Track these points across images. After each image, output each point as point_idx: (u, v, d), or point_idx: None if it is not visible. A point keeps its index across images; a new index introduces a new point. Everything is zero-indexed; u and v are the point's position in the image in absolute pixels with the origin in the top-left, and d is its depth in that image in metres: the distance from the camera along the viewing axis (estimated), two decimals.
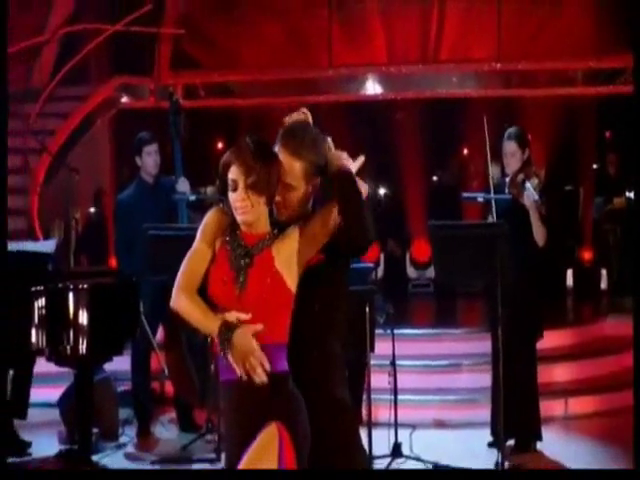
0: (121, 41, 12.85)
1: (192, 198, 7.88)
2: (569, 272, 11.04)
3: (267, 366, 3.45)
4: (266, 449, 3.44)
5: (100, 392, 7.71)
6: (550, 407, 8.36)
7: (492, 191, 7.21)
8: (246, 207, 3.52)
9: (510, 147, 7.25)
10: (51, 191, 11.68)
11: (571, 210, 11.64)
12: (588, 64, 12.50)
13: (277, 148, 3.72)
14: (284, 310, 3.51)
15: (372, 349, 6.94)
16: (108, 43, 12.87)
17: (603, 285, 11.17)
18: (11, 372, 7.59)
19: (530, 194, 7.01)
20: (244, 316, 3.47)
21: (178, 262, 6.97)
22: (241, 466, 3.50)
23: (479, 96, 12.74)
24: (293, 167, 3.66)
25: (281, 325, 3.51)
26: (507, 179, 7.29)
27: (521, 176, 7.14)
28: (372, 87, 12.58)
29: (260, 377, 3.45)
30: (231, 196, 3.56)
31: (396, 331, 7.79)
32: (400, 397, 7.91)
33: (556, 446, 7.56)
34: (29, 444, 7.68)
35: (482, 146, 7.46)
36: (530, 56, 12.64)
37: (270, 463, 3.42)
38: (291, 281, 3.52)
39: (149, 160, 8.03)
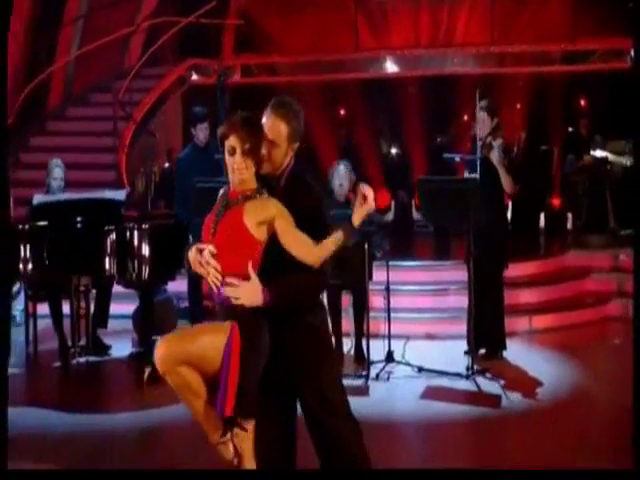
0: (193, 30, 12.78)
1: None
2: (541, 215, 10.91)
3: (214, 264, 3.49)
4: (215, 329, 3.47)
5: (163, 308, 7.83)
6: (517, 323, 8.29)
7: (479, 152, 7.05)
8: (242, 168, 3.53)
9: (481, 116, 7.14)
10: (135, 150, 11.72)
11: (545, 166, 11.51)
12: (566, 47, 12.28)
13: (267, 113, 3.66)
14: (247, 251, 3.51)
15: (370, 277, 7.00)
16: (183, 32, 12.83)
17: (569, 226, 11.06)
18: (94, 291, 7.72)
19: (495, 151, 6.95)
20: (213, 249, 3.51)
21: None
22: (189, 332, 3.66)
23: (476, 73, 12.58)
24: (280, 129, 3.60)
25: (244, 262, 3.52)
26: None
27: (489, 138, 7.04)
28: (389, 67, 12.46)
29: (209, 274, 3.51)
30: (230, 160, 3.57)
31: (398, 262, 7.83)
32: (399, 315, 7.96)
33: (520, 355, 7.50)
34: (109, 347, 7.78)
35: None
36: (519, 41, 12.42)
37: (214, 341, 3.42)
38: (258, 234, 3.49)
39: (200, 134, 8.10)
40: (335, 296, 7.17)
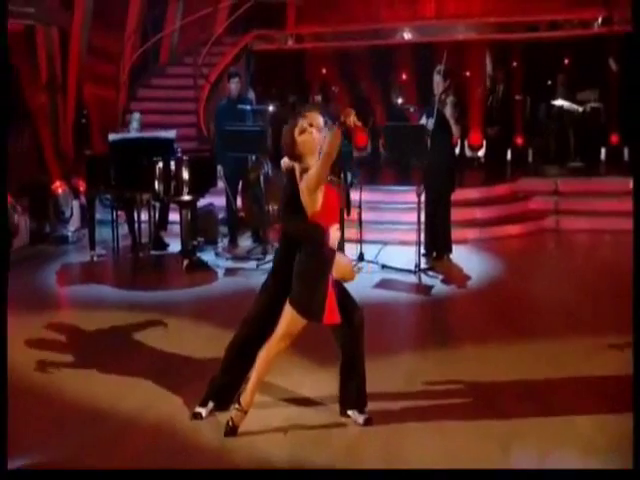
0: (261, 6, 12.54)
1: (247, 107, 7.92)
2: (509, 151, 10.60)
3: None
4: None
5: (207, 217, 8.02)
6: (469, 233, 8.23)
7: (436, 105, 6.91)
8: None
9: (437, 79, 7.02)
10: (212, 101, 11.68)
11: (517, 112, 11.10)
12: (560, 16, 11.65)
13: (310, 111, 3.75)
14: None
15: (348, 200, 7.07)
16: (254, 7, 12.60)
17: (530, 159, 10.78)
18: (157, 204, 7.94)
19: (448, 106, 6.92)
20: None
21: (242, 144, 6.87)
22: None
23: (478, 39, 12.10)
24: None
25: None
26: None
27: (443, 96, 6.97)
28: (407, 36, 12.00)
29: None
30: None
31: (383, 187, 7.82)
32: (380, 226, 8.10)
33: (465, 257, 7.48)
34: (168, 245, 8.04)
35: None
36: (514, 12, 11.86)
37: None
38: None
39: (232, 87, 7.97)
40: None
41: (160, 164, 7.05)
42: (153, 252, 7.91)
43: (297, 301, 3.65)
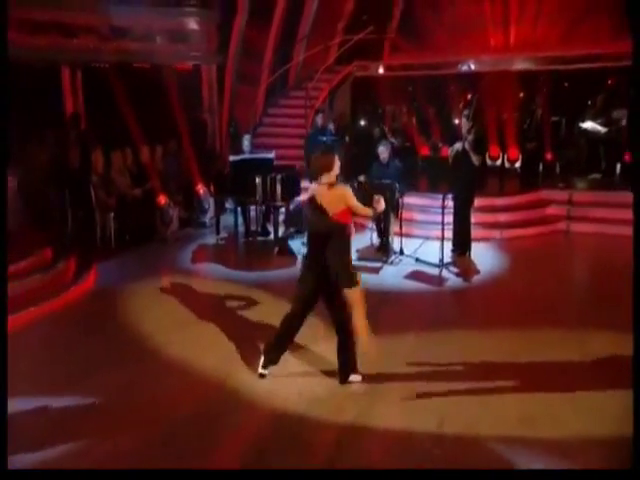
0: (361, 41, 12.65)
1: (323, 138, 8.30)
2: (540, 165, 10.31)
3: None
4: None
5: (300, 212, 8.17)
6: (492, 234, 8.17)
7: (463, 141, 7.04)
8: None
9: (463, 120, 7.09)
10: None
11: (550, 132, 10.68)
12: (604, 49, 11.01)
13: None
14: None
15: (393, 207, 7.21)
16: (357, 42, 12.61)
17: (557, 171, 10.42)
18: (263, 207, 8.40)
19: (467, 142, 6.96)
20: None
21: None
22: None
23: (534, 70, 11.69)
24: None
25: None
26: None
27: (466, 134, 7.02)
28: (471, 66, 11.82)
29: None
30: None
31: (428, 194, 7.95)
32: (424, 225, 8.20)
33: (483, 254, 7.33)
34: (270, 232, 8.41)
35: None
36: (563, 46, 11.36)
37: None
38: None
39: (319, 120, 8.42)
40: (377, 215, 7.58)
41: (259, 179, 7.66)
42: (260, 238, 8.43)
43: (346, 284, 4.12)
